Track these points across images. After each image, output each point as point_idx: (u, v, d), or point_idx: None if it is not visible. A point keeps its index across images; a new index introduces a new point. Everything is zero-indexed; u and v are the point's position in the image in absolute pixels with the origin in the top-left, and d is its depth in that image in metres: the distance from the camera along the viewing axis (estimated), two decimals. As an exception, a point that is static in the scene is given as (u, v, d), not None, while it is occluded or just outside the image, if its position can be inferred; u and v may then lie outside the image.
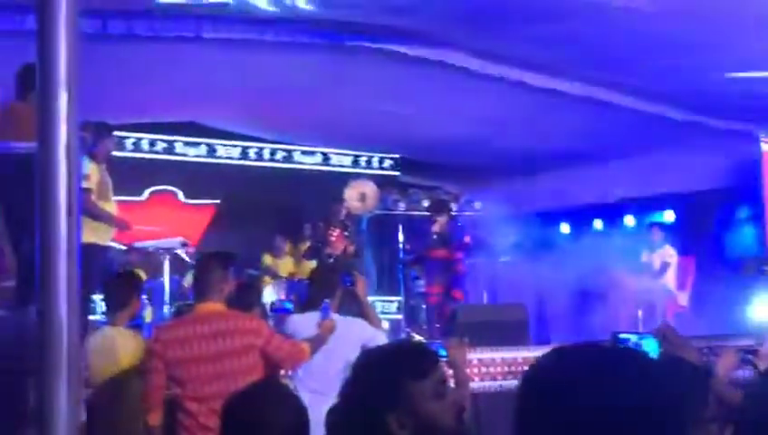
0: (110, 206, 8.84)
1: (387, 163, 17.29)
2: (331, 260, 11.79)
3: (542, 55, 11.31)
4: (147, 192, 15.47)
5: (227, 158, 16.26)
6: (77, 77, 2.21)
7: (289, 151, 16.73)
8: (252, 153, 16.47)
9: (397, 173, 17.27)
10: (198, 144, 15.96)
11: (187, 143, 15.85)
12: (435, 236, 12.18)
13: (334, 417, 3.44)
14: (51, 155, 2.15)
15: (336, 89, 12.69)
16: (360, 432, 2.44)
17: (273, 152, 16.63)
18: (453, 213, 12.85)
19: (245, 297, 7.31)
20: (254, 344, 5.32)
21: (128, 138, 15.32)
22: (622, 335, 4.17)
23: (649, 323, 12.16)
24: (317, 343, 6.02)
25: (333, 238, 12.01)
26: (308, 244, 14.06)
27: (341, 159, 17.10)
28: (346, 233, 12.13)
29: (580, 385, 1.64)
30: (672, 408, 1.63)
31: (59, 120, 2.17)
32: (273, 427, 2.65)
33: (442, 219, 12.21)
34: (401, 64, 11.54)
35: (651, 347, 3.60)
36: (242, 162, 16.32)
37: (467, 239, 12.43)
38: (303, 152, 16.83)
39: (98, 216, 8.46)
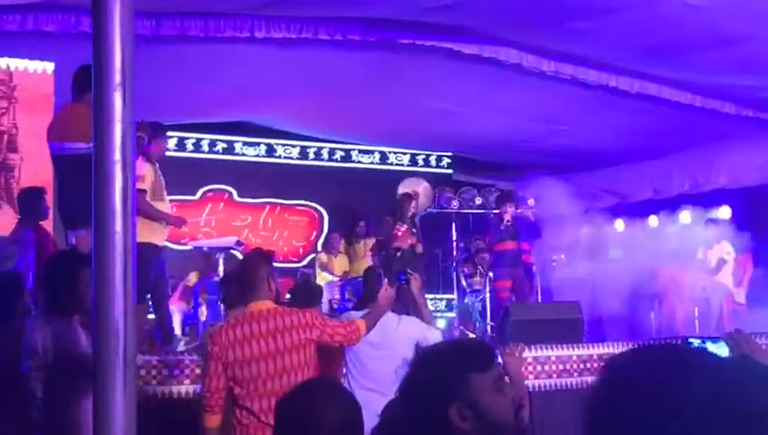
0: (165, 206, 8.89)
1: (441, 162, 17.26)
2: (399, 255, 11.74)
3: (596, 51, 11.23)
4: (200, 191, 15.58)
5: (287, 157, 16.35)
6: (131, 77, 2.23)
7: (347, 151, 16.77)
8: (311, 153, 16.53)
9: (450, 171, 17.24)
10: (258, 144, 16.06)
11: (246, 143, 15.96)
12: (502, 228, 12.13)
13: (390, 413, 3.44)
14: (106, 155, 2.17)
15: (388, 86, 12.69)
16: (419, 427, 2.44)
17: (331, 152, 16.68)
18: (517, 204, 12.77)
19: (307, 296, 7.34)
20: (310, 338, 5.32)
21: (188, 138, 15.48)
22: (692, 339, 4.14)
23: (705, 322, 12.04)
24: (374, 315, 5.99)
25: (400, 234, 11.95)
26: (364, 241, 14.12)
27: (399, 158, 17.09)
28: (413, 230, 12.06)
29: (658, 383, 1.65)
30: (748, 408, 1.62)
31: (114, 120, 2.19)
32: (327, 424, 2.65)
33: (510, 210, 12.18)
34: (454, 61, 11.51)
35: (722, 351, 3.55)
36: (300, 162, 16.40)
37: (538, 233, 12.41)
38: (361, 151, 16.86)
39: (153, 216, 8.52)
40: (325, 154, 16.63)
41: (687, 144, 14.16)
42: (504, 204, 12.40)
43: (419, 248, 11.97)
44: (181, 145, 15.41)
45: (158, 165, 8.83)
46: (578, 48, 11.22)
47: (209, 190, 15.66)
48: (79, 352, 5.05)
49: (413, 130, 15.20)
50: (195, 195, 15.46)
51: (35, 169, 9.64)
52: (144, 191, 8.41)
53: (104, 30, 2.22)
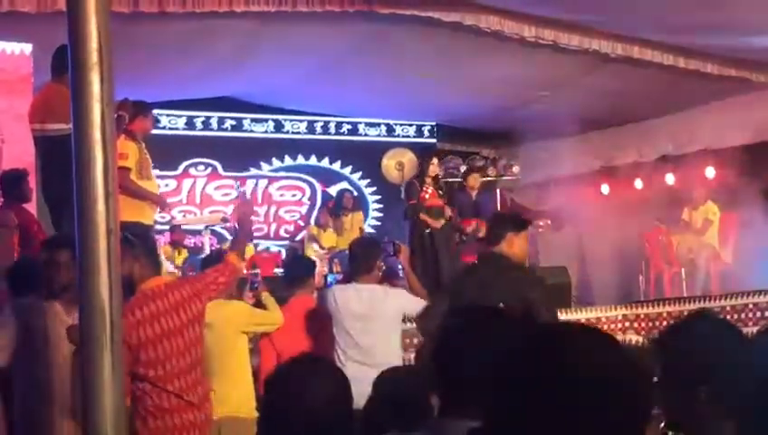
0: (151, 184, 8.85)
1: (424, 131, 17.23)
2: (448, 220, 11.70)
3: (576, 14, 11.21)
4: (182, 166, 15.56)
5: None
6: (109, 57, 2.21)
7: (354, 124, 16.76)
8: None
9: (434, 141, 17.21)
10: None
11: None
12: (464, 204, 12.24)
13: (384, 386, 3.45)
14: (86, 135, 2.16)
15: (370, 57, 12.65)
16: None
17: (338, 125, 16.73)
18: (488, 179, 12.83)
19: (299, 269, 7.31)
20: (204, 305, 5.19)
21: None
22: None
23: (693, 282, 12.09)
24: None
25: (428, 196, 11.84)
26: (352, 215, 14.24)
27: (380, 129, 17.03)
28: (440, 192, 11.96)
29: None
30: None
31: (92, 99, 2.17)
32: (315, 401, 2.64)
33: (475, 183, 12.25)
34: (435, 29, 11.47)
35: None
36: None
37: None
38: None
39: (138, 194, 8.48)
40: (332, 128, 16.69)
41: (671, 106, 14.16)
42: (468, 175, 12.58)
43: (448, 212, 11.88)
44: (192, 123, 15.59)
45: (143, 144, 8.78)
46: (558, 12, 11.20)
47: (191, 165, 15.64)
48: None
49: (396, 100, 15.16)
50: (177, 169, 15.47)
51: (17, 151, 9.58)
52: (128, 169, 8.36)
53: (80, 8, 2.20)
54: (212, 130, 15.75)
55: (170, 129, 15.20)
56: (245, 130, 16.00)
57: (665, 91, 13.37)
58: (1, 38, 10.41)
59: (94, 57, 2.17)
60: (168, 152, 13.57)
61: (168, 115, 15.13)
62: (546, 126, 15.15)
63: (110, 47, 2.19)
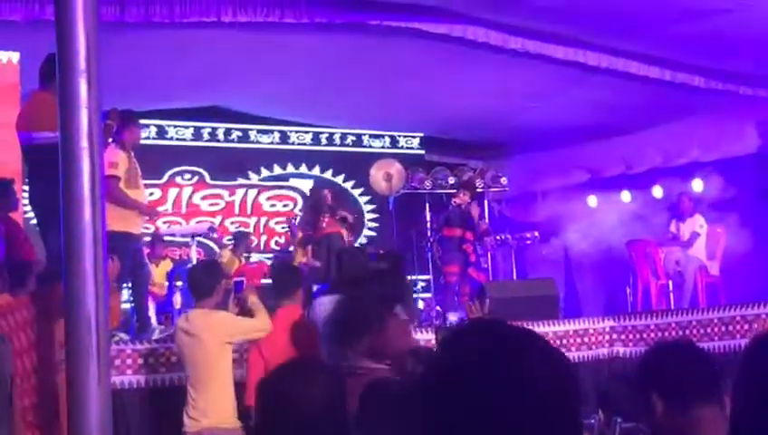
0: (140, 194, 8.85)
1: (412, 142, 17.22)
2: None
3: (563, 27, 11.23)
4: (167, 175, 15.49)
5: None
6: (96, 63, 2.19)
7: (358, 135, 16.78)
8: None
9: (422, 152, 17.20)
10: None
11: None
12: (451, 216, 12.35)
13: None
14: (72, 143, 2.14)
15: (358, 68, 12.65)
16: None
17: (343, 137, 16.73)
18: (477, 190, 12.95)
19: (288, 280, 7.28)
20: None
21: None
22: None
23: (680, 295, 12.10)
24: None
25: (324, 225, 12.12)
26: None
27: (370, 140, 17.01)
28: (336, 217, 12.22)
29: None
30: None
31: (79, 108, 2.15)
32: (309, 403, 2.63)
33: (464, 198, 12.36)
34: (422, 41, 11.48)
35: None
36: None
37: (483, 224, 12.56)
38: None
39: (126, 203, 8.46)
40: (337, 139, 16.72)
41: (659, 118, 14.18)
42: (459, 191, 12.72)
43: (347, 237, 12.20)
44: (198, 134, 15.64)
45: (132, 153, 8.76)
46: (545, 24, 11.22)
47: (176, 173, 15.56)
48: None
49: (383, 111, 15.16)
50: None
51: (3, 159, 9.54)
52: (117, 178, 8.35)
53: (67, 15, 2.18)
54: (199, 139, 15.67)
55: (155, 138, 15.10)
56: (231, 141, 15.90)
57: (652, 103, 13.41)
58: (-12, 47, 10.39)
59: (82, 63, 2.15)
60: (153, 161, 13.50)
61: (154, 124, 15.04)
62: (534, 137, 15.19)
63: (97, 53, 2.18)
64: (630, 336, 9.94)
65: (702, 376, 2.98)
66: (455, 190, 13.68)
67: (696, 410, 2.89)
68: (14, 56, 10.43)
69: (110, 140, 8.42)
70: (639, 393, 2.97)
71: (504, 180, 15.44)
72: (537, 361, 1.49)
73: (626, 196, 14.94)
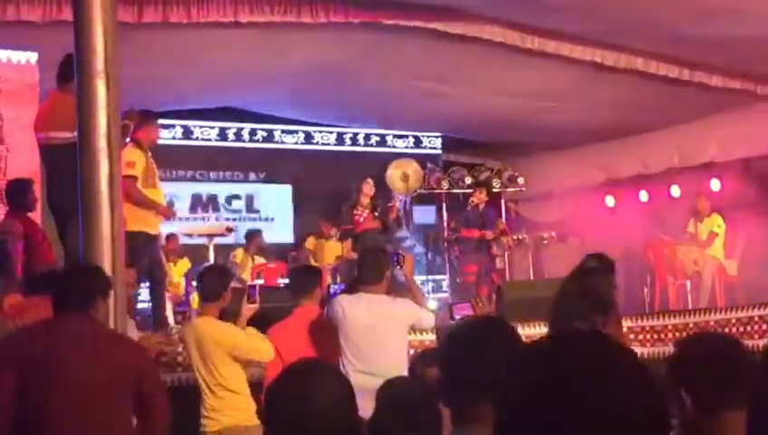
0: (157, 193, 8.87)
1: (430, 142, 17.21)
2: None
3: (580, 26, 11.20)
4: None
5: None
6: (115, 64, 2.21)
7: (382, 135, 16.76)
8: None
9: (439, 151, 17.19)
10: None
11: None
12: (469, 216, 12.34)
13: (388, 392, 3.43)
14: (91, 143, 2.16)
15: (375, 68, 12.65)
16: None
17: (367, 137, 16.76)
18: (494, 190, 12.95)
19: (306, 280, 7.27)
20: None
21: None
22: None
23: (697, 295, 12.06)
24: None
25: (362, 220, 12.00)
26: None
27: (388, 140, 16.99)
28: (375, 213, 12.07)
29: None
30: None
31: (97, 108, 2.17)
32: (319, 407, 2.63)
33: (481, 197, 12.35)
34: (439, 41, 11.47)
35: None
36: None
37: (501, 224, 12.56)
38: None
39: (143, 203, 8.48)
40: (332, 139, 16.64)
41: (676, 118, 14.14)
42: (475, 190, 12.71)
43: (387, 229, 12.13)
44: (222, 135, 15.68)
45: (149, 153, 8.78)
46: (563, 24, 11.20)
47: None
48: None
49: (401, 111, 15.15)
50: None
51: (22, 160, 9.58)
52: (135, 178, 8.37)
53: (85, 16, 2.20)
54: (217, 139, 15.69)
55: (175, 138, 15.13)
56: (243, 140, 15.89)
57: (670, 102, 13.36)
58: (7, 47, 10.41)
59: (100, 64, 2.17)
60: (171, 161, 13.53)
61: (172, 125, 15.06)
62: (551, 137, 15.17)
63: (115, 54, 2.19)
64: (648, 336, 9.90)
65: (730, 377, 2.80)
66: (471, 190, 13.69)
67: (723, 411, 2.75)
68: (33, 57, 10.45)
69: (128, 139, 8.44)
70: (670, 389, 2.82)
71: (520, 180, 15.43)
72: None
73: (643, 195, 14.90)
